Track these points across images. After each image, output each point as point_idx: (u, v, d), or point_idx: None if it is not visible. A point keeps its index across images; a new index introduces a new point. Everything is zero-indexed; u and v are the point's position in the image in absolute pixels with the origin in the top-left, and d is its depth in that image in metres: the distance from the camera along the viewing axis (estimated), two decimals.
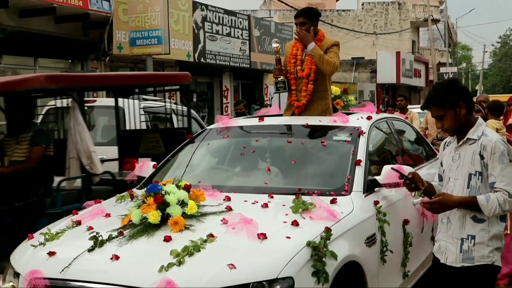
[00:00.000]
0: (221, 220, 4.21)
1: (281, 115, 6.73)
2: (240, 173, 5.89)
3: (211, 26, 22.28)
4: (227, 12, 23.40)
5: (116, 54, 17.69)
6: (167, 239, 3.96)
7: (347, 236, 4.40)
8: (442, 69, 48.59)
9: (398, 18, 47.40)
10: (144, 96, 11.54)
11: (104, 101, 12.84)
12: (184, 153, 6.18)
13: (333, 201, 4.65)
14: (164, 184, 4.42)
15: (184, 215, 4.21)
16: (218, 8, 22.76)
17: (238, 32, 23.78)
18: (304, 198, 4.61)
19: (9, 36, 15.44)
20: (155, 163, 6.18)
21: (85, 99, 13.08)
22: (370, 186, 5.12)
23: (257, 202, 4.65)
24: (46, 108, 11.73)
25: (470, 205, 4.12)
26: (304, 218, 4.32)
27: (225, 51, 23.40)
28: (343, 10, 49.05)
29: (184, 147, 6.30)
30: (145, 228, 4.14)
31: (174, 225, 4.10)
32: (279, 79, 6.39)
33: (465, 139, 4.27)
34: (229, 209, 4.45)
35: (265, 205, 4.59)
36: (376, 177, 5.11)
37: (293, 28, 29.25)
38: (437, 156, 5.15)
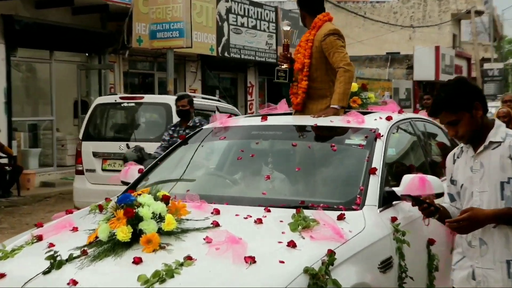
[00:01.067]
0: (204, 239, 3.73)
1: (290, 113, 6.26)
2: (235, 181, 5.47)
3: (236, 19, 22.30)
4: (253, 3, 23.38)
5: (135, 47, 17.88)
6: (137, 261, 3.49)
7: (356, 260, 3.91)
8: (486, 65, 48.06)
9: (438, 10, 46.77)
10: (192, 94, 12.09)
11: (151, 97, 13.37)
12: (175, 157, 5.81)
13: (340, 217, 4.15)
14: (139, 194, 3.96)
15: (161, 231, 3.76)
16: None
17: (264, 24, 23.74)
18: (307, 212, 4.14)
19: (25, 28, 15.67)
20: (141, 167, 5.83)
21: (133, 95, 14.09)
22: (387, 199, 4.62)
23: (250, 216, 4.19)
24: (94, 104, 12.57)
25: (505, 218, 3.68)
26: (304, 238, 3.84)
27: (251, 45, 23.32)
28: (378, 2, 48.64)
29: (176, 150, 5.93)
30: (113, 247, 3.68)
31: (146, 244, 3.63)
32: (282, 67, 6.05)
33: (486, 143, 3.86)
34: (216, 224, 4.01)
35: (258, 221, 4.11)
36: (395, 189, 4.56)
37: None
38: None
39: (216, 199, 4.64)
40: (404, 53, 41.46)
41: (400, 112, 6.16)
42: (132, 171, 5.70)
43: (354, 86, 6.74)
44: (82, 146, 11.70)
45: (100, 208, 4.38)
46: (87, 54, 18.66)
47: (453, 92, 3.86)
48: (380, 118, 5.52)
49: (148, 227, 3.69)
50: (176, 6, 16.77)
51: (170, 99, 11.09)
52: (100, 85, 18.40)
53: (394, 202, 4.65)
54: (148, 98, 12.74)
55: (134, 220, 3.73)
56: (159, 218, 3.82)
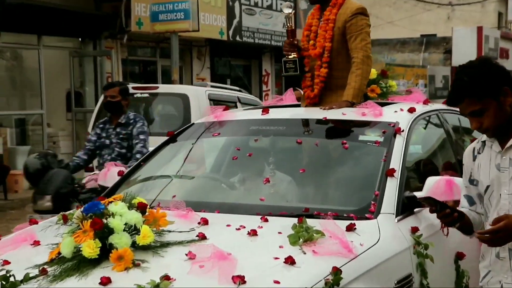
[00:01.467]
0: (187, 254, 3.47)
1: (298, 105, 6.12)
2: (228, 185, 5.22)
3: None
4: None
5: (135, 31, 18.05)
6: (104, 281, 3.23)
7: (368, 278, 3.67)
8: None
9: None
10: (211, 83, 12.17)
11: (167, 87, 13.57)
12: (161, 157, 5.58)
13: (350, 228, 3.89)
14: (111, 202, 3.70)
15: (135, 246, 3.50)
16: None
17: (281, 4, 23.00)
18: (311, 222, 3.87)
19: (9, 10, 15.61)
20: (122, 168, 5.62)
21: (146, 85, 14.13)
22: (408, 206, 4.38)
23: (244, 227, 3.95)
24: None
25: None
26: (305, 253, 3.57)
27: (266, 27, 23.34)
28: None
29: (162, 148, 5.66)
30: (78, 264, 3.39)
31: (117, 261, 3.34)
32: (289, 57, 5.72)
33: None
34: (202, 237, 3.77)
35: (253, 232, 3.87)
36: (416, 193, 4.34)
37: None
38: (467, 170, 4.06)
39: (206, 207, 4.47)
40: (441, 36, 41.30)
41: (425, 102, 5.83)
42: (112, 173, 5.52)
43: (373, 73, 6.52)
44: None
45: (65, 218, 3.97)
46: (80, 40, 18.75)
47: (478, 75, 3.57)
48: (401, 110, 5.28)
49: (120, 241, 3.41)
50: None
51: (187, 89, 11.23)
52: (96, 74, 18.51)
53: (416, 210, 4.44)
54: (163, 88, 13.11)
55: (103, 232, 3.46)
56: (134, 230, 3.57)
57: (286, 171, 5.09)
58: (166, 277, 3.19)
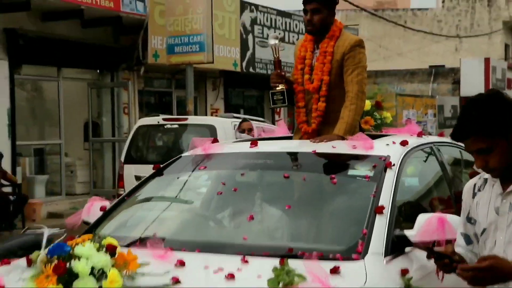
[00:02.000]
0: None
1: (290, 138, 5.76)
2: (212, 222, 4.89)
3: (261, 30, 22.41)
4: (281, 13, 23.59)
5: (151, 63, 18.10)
6: None
7: None
8: None
9: (488, 18, 46.60)
10: (235, 114, 12.40)
11: (196, 119, 14.14)
12: (147, 191, 5.18)
13: (334, 270, 3.50)
14: (78, 243, 3.34)
15: None
16: (270, 8, 22.92)
17: (293, 36, 23.76)
18: (295, 263, 3.46)
19: (30, 43, 15.85)
20: (104, 204, 5.13)
21: (176, 117, 14.84)
22: (398, 246, 3.97)
23: (222, 270, 3.58)
24: (136, 126, 13.32)
25: None
26: None
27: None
28: (419, 9, 48.53)
29: (148, 182, 5.24)
30: None
31: None
32: (277, 88, 5.42)
33: None
34: (176, 281, 3.44)
35: (230, 276, 3.51)
36: (407, 232, 3.92)
37: (358, 31, 29.56)
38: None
39: (186, 245, 4.14)
40: (450, 66, 41.22)
41: (420, 134, 5.45)
42: (94, 208, 5.09)
43: (368, 104, 6.22)
44: (124, 169, 12.37)
45: (28, 261, 3.56)
46: (98, 71, 18.84)
47: (489, 111, 3.18)
48: (394, 142, 4.90)
49: (85, 286, 3.09)
50: (196, 17, 17.01)
51: (215, 121, 11.56)
52: (113, 105, 18.61)
53: (407, 249, 4.02)
54: (192, 119, 13.61)
55: (67, 277, 3.11)
56: (103, 274, 3.21)
57: (272, 207, 4.75)
58: None
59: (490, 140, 3.16)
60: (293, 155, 5.11)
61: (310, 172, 4.85)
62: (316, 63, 5.34)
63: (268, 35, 22.68)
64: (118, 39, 18.43)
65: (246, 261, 3.73)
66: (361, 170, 4.57)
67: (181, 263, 3.69)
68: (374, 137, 5.18)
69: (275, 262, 3.47)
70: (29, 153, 17.44)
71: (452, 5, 47.86)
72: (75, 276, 3.08)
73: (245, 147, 5.17)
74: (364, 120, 6.15)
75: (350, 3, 32.73)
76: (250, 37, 21.88)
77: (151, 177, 5.26)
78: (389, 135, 5.51)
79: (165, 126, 13.13)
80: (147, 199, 5.12)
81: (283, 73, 5.50)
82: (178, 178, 5.22)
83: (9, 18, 15.40)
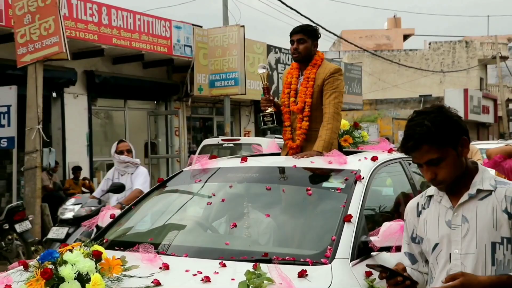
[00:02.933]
0: None
1: (278, 154, 5.42)
2: (201, 228, 4.55)
3: (284, 67, 22.30)
4: None
5: (197, 95, 18.08)
6: None
7: None
8: None
9: (466, 56, 46.43)
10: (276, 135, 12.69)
11: (246, 139, 14.79)
12: (150, 200, 4.86)
13: (301, 274, 3.21)
14: (70, 250, 3.10)
15: None
16: (288, 49, 23.13)
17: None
18: (267, 267, 3.23)
19: (103, 81, 16.23)
20: (114, 212, 4.90)
21: (231, 138, 15.32)
22: (364, 251, 3.64)
23: (201, 273, 3.29)
24: (202, 145, 13.94)
25: None
26: None
27: None
28: (411, 50, 48.52)
29: (152, 192, 4.96)
30: None
31: None
32: (266, 111, 5.17)
33: (472, 192, 2.79)
34: (157, 283, 3.17)
35: (206, 279, 3.22)
36: (372, 238, 3.62)
37: (361, 68, 29.78)
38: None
39: (176, 250, 3.84)
40: (436, 95, 41.24)
41: (390, 151, 5.03)
42: (106, 216, 4.84)
43: (346, 124, 5.87)
44: None
45: (25, 265, 3.24)
46: (155, 102, 19.03)
47: (440, 122, 2.72)
48: (366, 158, 4.53)
49: None
50: (231, 58, 17.20)
51: (261, 140, 11.86)
52: (167, 128, 18.84)
53: (373, 253, 3.67)
54: (243, 140, 14.50)
55: (54, 281, 2.91)
56: (85, 278, 2.98)
57: (254, 216, 4.38)
58: None
59: (441, 150, 2.70)
60: (276, 169, 4.74)
61: (290, 184, 4.52)
62: (301, 88, 5.07)
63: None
64: (170, 77, 18.63)
65: (224, 265, 3.45)
66: (334, 182, 4.21)
67: (166, 267, 3.44)
68: (350, 153, 4.94)
69: (250, 266, 3.27)
70: (103, 168, 17.59)
71: (437, 46, 47.84)
72: (62, 280, 2.88)
73: (237, 162, 4.87)
74: (343, 139, 5.73)
75: (355, 45, 32.92)
76: (275, 73, 21.95)
77: (156, 188, 4.96)
78: (363, 152, 5.13)
79: (223, 145, 13.78)
80: (149, 208, 4.78)
81: (271, 98, 5.24)
82: (176, 190, 4.92)
83: (87, 62, 15.78)
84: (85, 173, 15.77)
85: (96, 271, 2.98)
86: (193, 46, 17.56)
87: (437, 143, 2.69)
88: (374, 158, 4.47)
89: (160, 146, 18.96)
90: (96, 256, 3.07)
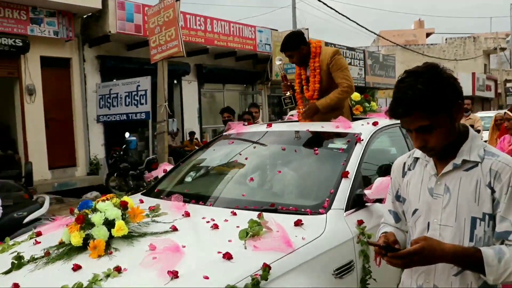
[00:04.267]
0: (149, 246, 2.44)
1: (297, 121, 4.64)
2: (225, 182, 3.86)
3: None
4: (349, 48, 22.90)
5: (274, 79, 17.86)
6: (75, 268, 2.34)
7: (306, 268, 2.45)
8: (509, 84, 45.85)
9: (473, 48, 44.57)
10: None
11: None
12: (192, 159, 4.33)
13: (297, 223, 2.72)
14: (104, 200, 2.80)
15: (113, 237, 2.58)
16: (343, 46, 22.32)
17: (356, 62, 23.18)
18: (270, 216, 2.71)
19: (208, 71, 16.30)
20: (166, 168, 4.41)
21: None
22: (358, 202, 3.07)
23: (213, 220, 2.83)
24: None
25: (468, 262, 1.79)
26: (246, 248, 2.44)
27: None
28: (432, 44, 47.01)
29: (196, 153, 4.42)
30: (69, 250, 2.57)
31: (93, 250, 2.49)
32: (286, 94, 4.63)
33: (458, 162, 1.90)
34: (174, 229, 2.72)
35: (215, 226, 2.74)
36: (366, 191, 3.04)
37: (395, 58, 28.89)
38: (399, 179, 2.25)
39: (204, 200, 3.37)
40: None
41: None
42: (161, 170, 4.40)
43: (357, 96, 5.18)
44: None
45: (72, 212, 2.89)
46: (244, 85, 18.91)
47: (435, 85, 1.81)
48: (368, 123, 3.90)
49: (98, 233, 2.55)
50: None
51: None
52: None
53: (368, 204, 3.09)
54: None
55: (86, 226, 2.62)
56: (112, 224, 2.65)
57: (268, 172, 3.86)
58: (117, 268, 2.26)
59: (434, 117, 1.80)
60: (293, 133, 4.06)
61: (301, 145, 3.88)
62: (310, 78, 4.44)
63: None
64: (255, 67, 18.43)
65: (235, 214, 2.97)
66: (338, 144, 3.67)
67: (187, 214, 3.00)
68: (360, 119, 4.31)
69: (256, 215, 2.76)
70: (209, 132, 17.66)
71: (451, 41, 45.87)
72: (92, 225, 2.60)
73: (263, 127, 4.25)
74: (355, 108, 5.09)
75: (390, 41, 32.04)
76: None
77: (200, 149, 4.45)
78: (369, 118, 4.44)
79: None
80: (192, 165, 4.23)
81: (289, 83, 4.67)
82: (213, 150, 4.34)
83: (197, 58, 15.77)
84: (197, 135, 15.95)
85: (122, 218, 2.67)
86: (271, 44, 17.33)
87: (431, 109, 1.79)
88: (375, 123, 3.87)
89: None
90: (123, 206, 2.75)
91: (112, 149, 12.63)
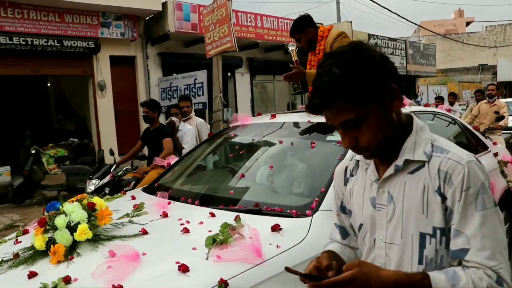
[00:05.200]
0: (109, 252, 2.04)
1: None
2: (218, 178, 3.41)
3: (380, 49, 21.34)
4: (391, 39, 22.09)
5: None
6: (31, 275, 2.00)
7: (274, 282, 1.88)
8: None
9: None
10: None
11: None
12: (196, 152, 3.84)
13: (275, 228, 2.16)
14: (74, 201, 2.42)
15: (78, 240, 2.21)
16: (385, 37, 21.61)
17: (397, 51, 22.39)
18: (249, 219, 2.23)
19: (259, 64, 16.16)
20: (170, 161, 4.08)
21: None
22: None
23: (188, 222, 2.38)
24: None
25: None
26: (207, 259, 1.95)
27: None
28: (472, 32, 45.02)
29: (200, 146, 3.95)
30: (34, 254, 2.22)
31: (53, 255, 2.13)
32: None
33: (400, 163, 1.35)
34: (144, 232, 2.30)
35: (185, 230, 2.27)
36: None
37: (435, 47, 27.89)
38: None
39: (192, 197, 2.86)
40: (491, 64, 38.22)
41: (403, 106, 2.41)
42: (166, 163, 4.02)
43: None
44: None
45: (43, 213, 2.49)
46: None
47: (355, 67, 1.26)
48: None
49: (61, 237, 2.18)
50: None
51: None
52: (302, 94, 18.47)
53: None
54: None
55: (51, 228, 2.27)
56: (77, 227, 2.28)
57: (263, 167, 3.22)
58: (67, 278, 1.90)
59: (360, 107, 1.28)
60: (294, 124, 3.43)
61: (299, 138, 3.21)
62: (315, 61, 4.11)
63: (384, 52, 22.00)
64: (302, 58, 18.06)
65: (214, 215, 2.46)
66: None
67: (165, 215, 2.55)
68: None
69: (241, 215, 2.29)
70: None
71: (491, 28, 43.69)
72: (56, 228, 2.25)
73: (267, 118, 3.66)
74: None
75: (431, 31, 31.00)
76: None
77: (205, 141, 3.95)
78: None
79: None
80: (193, 158, 3.72)
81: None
82: (218, 144, 3.75)
83: (249, 52, 15.66)
84: None
85: (89, 221, 2.28)
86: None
87: (353, 98, 1.25)
88: None
89: (296, 105, 18.48)
90: (90, 208, 2.36)
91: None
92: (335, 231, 1.64)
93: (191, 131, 5.94)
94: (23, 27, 10.72)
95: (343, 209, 1.59)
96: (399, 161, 1.35)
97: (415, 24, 26.50)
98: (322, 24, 17.94)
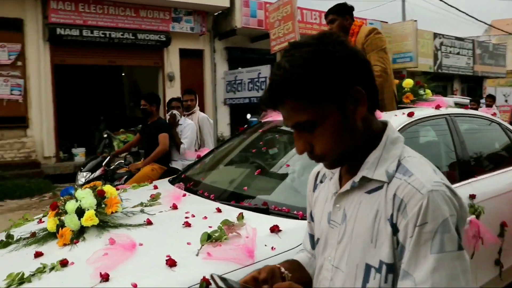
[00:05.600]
0: (109, 239, 1.99)
1: None
2: (238, 174, 3.20)
3: (446, 48, 19.94)
4: (457, 38, 20.81)
5: None
6: (37, 254, 2.01)
7: None
8: None
9: None
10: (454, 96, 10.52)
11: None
12: (224, 146, 3.68)
13: (273, 229, 2.04)
14: (87, 188, 2.41)
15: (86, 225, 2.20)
16: (451, 36, 20.53)
17: (464, 51, 21.13)
18: (252, 217, 2.18)
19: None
20: (199, 153, 3.95)
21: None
22: None
23: (194, 216, 2.29)
24: None
25: None
26: (198, 255, 1.86)
27: (455, 64, 21.34)
28: None
29: (230, 140, 3.76)
30: (46, 235, 2.25)
31: (60, 238, 2.15)
32: None
33: (357, 179, 1.09)
34: (149, 222, 2.25)
35: (187, 224, 2.19)
36: None
37: (506, 47, 26.32)
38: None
39: (207, 191, 2.77)
40: None
41: (437, 107, 3.27)
42: (196, 155, 3.86)
43: (410, 83, 4.08)
44: None
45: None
46: None
47: (308, 62, 0.99)
48: (403, 114, 2.96)
49: (69, 221, 2.19)
50: (408, 43, 15.89)
51: (447, 99, 10.34)
52: None
53: None
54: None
55: (62, 213, 2.29)
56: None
57: (279, 165, 3.04)
58: (63, 262, 1.87)
59: (314, 109, 1.02)
60: None
61: None
62: None
63: (450, 51, 21.15)
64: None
65: (220, 210, 2.36)
66: None
67: (175, 207, 2.48)
68: (403, 108, 3.46)
69: (245, 213, 2.22)
70: None
71: None
72: (66, 212, 2.26)
73: None
74: (405, 96, 3.99)
75: (502, 30, 29.37)
76: (439, 52, 19.78)
77: (235, 135, 3.76)
78: (411, 108, 3.47)
79: None
80: (221, 152, 3.58)
81: None
82: (243, 138, 3.59)
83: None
84: None
85: (98, 208, 2.27)
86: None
87: (304, 97, 1.01)
88: (410, 114, 2.92)
89: None
90: (100, 195, 2.34)
91: (236, 128, 13.09)
92: (306, 240, 1.39)
93: (191, 125, 5.49)
94: (103, 21, 11.25)
95: (312, 218, 1.31)
96: (357, 177, 1.08)
97: (485, 23, 25.06)
98: (386, 22, 17.31)
